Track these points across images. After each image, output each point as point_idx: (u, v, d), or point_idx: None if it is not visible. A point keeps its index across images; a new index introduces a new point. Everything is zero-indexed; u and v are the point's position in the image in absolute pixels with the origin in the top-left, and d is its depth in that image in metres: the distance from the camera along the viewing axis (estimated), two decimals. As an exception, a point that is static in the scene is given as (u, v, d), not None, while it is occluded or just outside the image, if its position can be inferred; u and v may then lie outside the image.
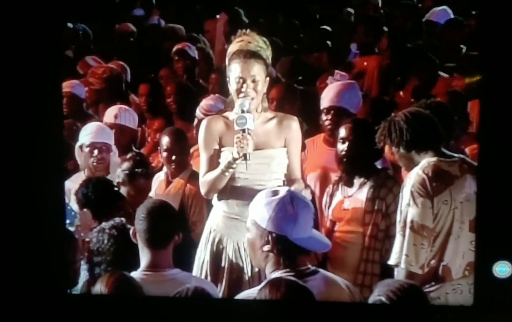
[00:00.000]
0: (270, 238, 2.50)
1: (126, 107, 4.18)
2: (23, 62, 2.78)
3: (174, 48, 5.12)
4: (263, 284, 2.45)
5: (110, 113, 4.08)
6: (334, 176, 3.38)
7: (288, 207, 2.50)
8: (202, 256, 3.19)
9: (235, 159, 3.00)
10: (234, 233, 3.11)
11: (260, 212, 2.53)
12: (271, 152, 3.09)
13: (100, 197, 3.29)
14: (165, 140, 3.65)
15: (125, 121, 4.04)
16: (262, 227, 2.51)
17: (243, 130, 2.98)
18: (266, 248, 2.51)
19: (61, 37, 2.92)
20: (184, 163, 3.65)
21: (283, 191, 2.57)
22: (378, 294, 2.18)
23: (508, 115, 2.70)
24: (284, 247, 2.49)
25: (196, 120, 3.94)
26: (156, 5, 6.24)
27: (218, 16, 5.84)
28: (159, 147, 3.75)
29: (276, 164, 3.10)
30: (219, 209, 3.17)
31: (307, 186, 3.28)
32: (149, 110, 4.51)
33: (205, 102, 3.96)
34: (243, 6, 5.76)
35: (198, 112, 3.94)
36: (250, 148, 2.97)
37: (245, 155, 2.98)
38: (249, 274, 3.08)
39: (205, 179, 3.12)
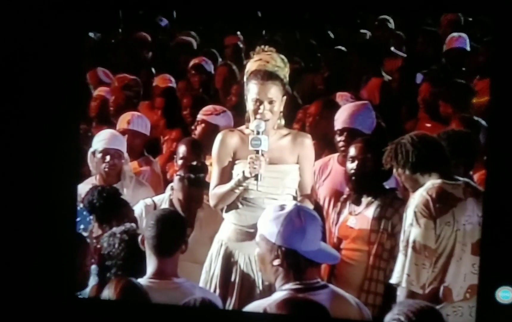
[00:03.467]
0: (279, 252, 2.52)
1: (139, 113, 4.24)
2: (46, 67, 2.84)
3: (191, 63, 5.20)
4: (274, 300, 2.45)
5: (123, 119, 4.14)
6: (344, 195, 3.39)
7: (296, 220, 2.52)
8: (211, 269, 3.20)
9: (245, 178, 3.04)
10: (245, 246, 3.13)
11: (268, 226, 2.56)
12: (285, 167, 3.13)
13: (104, 204, 3.33)
14: (181, 149, 3.70)
15: (138, 127, 4.10)
16: (271, 241, 2.54)
17: (257, 151, 3.02)
18: (276, 262, 2.53)
19: (82, 45, 2.98)
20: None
21: (290, 205, 2.60)
22: (397, 313, 2.17)
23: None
24: (294, 261, 2.51)
25: (196, 122, 4.02)
26: (177, 19, 6.33)
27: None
28: (174, 156, 3.79)
29: (289, 179, 3.13)
30: (230, 221, 3.19)
31: (317, 204, 3.30)
32: (166, 121, 4.58)
33: (206, 107, 4.05)
34: (261, 24, 5.82)
35: (199, 114, 4.02)
36: (262, 169, 3.01)
37: (256, 176, 3.02)
38: (261, 287, 3.10)
39: (215, 191, 3.16)
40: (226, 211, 3.21)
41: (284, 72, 3.11)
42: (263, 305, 2.49)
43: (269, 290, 3.00)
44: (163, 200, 3.55)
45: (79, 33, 2.93)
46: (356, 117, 3.61)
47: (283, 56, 3.15)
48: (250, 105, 3.11)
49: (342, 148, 3.58)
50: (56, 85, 2.86)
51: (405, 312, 2.17)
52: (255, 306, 2.60)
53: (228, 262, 3.16)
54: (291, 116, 4.07)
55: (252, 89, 3.09)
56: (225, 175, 3.15)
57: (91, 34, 5.46)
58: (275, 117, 3.12)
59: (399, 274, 2.82)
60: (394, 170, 2.99)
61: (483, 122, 3.72)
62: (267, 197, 3.09)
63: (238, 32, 5.83)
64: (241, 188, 3.08)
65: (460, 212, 2.81)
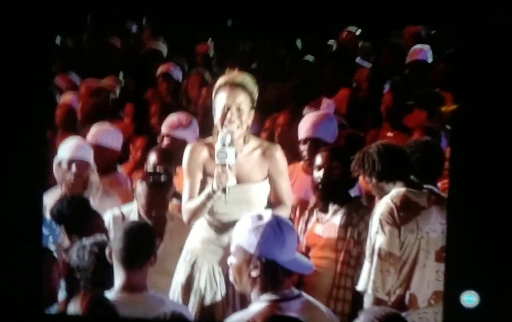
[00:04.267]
0: (259, 262, 2.45)
1: (109, 126, 4.07)
2: (12, 71, 2.75)
3: (159, 71, 5.12)
4: (255, 312, 2.41)
5: (91, 132, 3.99)
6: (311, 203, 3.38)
7: (277, 231, 2.47)
8: (177, 276, 3.16)
9: (214, 192, 2.99)
10: (209, 256, 3.10)
11: (247, 237, 2.48)
12: (252, 187, 3.08)
13: (74, 214, 3.21)
14: (152, 158, 3.62)
15: (106, 141, 3.93)
16: (249, 252, 2.47)
17: (223, 164, 2.96)
18: (255, 273, 2.46)
19: (52, 50, 2.89)
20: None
21: (267, 215, 2.53)
22: (363, 320, 2.15)
23: (476, 149, 2.73)
24: (273, 271, 2.45)
25: (160, 136, 3.93)
26: (147, 24, 6.25)
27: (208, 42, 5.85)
28: (145, 165, 3.71)
29: (255, 199, 3.09)
30: (198, 232, 3.15)
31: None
32: (135, 129, 4.49)
33: (169, 118, 3.95)
34: (233, 32, 5.80)
35: (163, 128, 3.92)
36: (229, 182, 2.96)
37: (224, 189, 2.97)
38: (223, 297, 3.06)
39: (186, 206, 3.12)
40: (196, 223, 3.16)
41: (252, 88, 3.07)
42: (244, 318, 2.44)
43: (232, 300, 3.02)
44: (131, 211, 3.48)
45: (47, 37, 2.84)
46: (319, 126, 3.63)
47: (252, 76, 3.12)
48: (218, 114, 3.05)
49: (306, 157, 3.59)
50: (22, 90, 2.77)
51: (371, 319, 2.16)
52: (235, 320, 2.54)
53: (192, 271, 3.12)
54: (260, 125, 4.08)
55: (220, 98, 3.04)
56: (196, 189, 3.10)
57: (58, 39, 5.34)
58: (242, 128, 3.05)
59: (365, 281, 2.82)
60: (361, 178, 2.99)
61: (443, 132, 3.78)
62: (232, 216, 3.03)
63: (209, 40, 5.79)
64: (211, 200, 3.04)
65: (423, 220, 2.83)
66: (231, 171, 2.96)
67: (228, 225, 3.03)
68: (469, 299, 2.71)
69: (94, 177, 3.72)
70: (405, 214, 2.79)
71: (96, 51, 5.52)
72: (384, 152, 2.88)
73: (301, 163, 3.68)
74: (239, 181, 3.03)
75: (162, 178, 3.42)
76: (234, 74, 3.07)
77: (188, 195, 3.10)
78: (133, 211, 3.46)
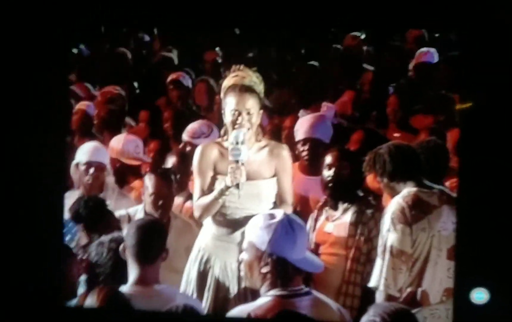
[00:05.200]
0: (269, 259, 2.47)
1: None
2: (32, 80, 2.77)
3: (169, 78, 5.13)
4: (259, 305, 2.41)
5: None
6: (313, 202, 3.40)
7: (288, 229, 2.49)
8: (190, 273, 3.17)
9: (227, 188, 3.02)
10: (221, 253, 3.11)
11: (259, 234, 2.51)
12: (262, 183, 3.11)
13: (91, 213, 3.26)
14: (170, 161, 3.63)
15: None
16: (261, 249, 2.49)
17: (237, 161, 2.98)
18: (265, 269, 2.48)
19: (68, 59, 2.92)
20: (183, 185, 3.63)
21: (279, 214, 2.56)
22: (373, 315, 2.15)
23: (485, 150, 2.72)
24: (283, 268, 2.48)
25: (182, 143, 3.93)
26: (158, 35, 6.26)
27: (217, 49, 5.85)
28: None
29: (265, 194, 3.12)
30: (209, 230, 3.16)
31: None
32: (149, 133, 4.49)
33: (191, 126, 3.96)
34: (239, 40, 5.80)
35: (184, 136, 3.94)
36: (243, 178, 3.00)
37: (237, 184, 3.00)
38: (235, 293, 3.07)
39: (198, 203, 3.13)
40: (208, 221, 3.17)
41: (260, 88, 3.10)
42: (247, 310, 2.46)
43: (244, 295, 3.02)
44: (137, 210, 3.50)
45: (64, 47, 2.85)
46: (318, 128, 3.66)
47: (258, 74, 3.14)
48: (228, 117, 3.08)
49: (306, 157, 3.61)
50: (42, 98, 2.78)
51: (380, 313, 2.16)
52: (238, 311, 2.56)
53: (205, 267, 3.13)
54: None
55: (230, 102, 3.07)
56: (207, 187, 3.12)
57: (75, 50, 5.36)
58: (253, 129, 3.09)
59: (377, 277, 2.82)
60: (369, 177, 2.99)
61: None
62: (244, 211, 3.07)
63: (217, 48, 5.80)
64: (224, 197, 3.06)
65: (435, 219, 2.82)
66: (244, 168, 2.99)
67: (239, 221, 3.06)
68: (479, 296, 2.69)
69: (110, 179, 3.78)
70: (416, 212, 2.80)
71: (110, 60, 5.54)
72: (395, 152, 2.90)
73: (297, 163, 3.68)
74: (249, 177, 3.06)
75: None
76: (242, 76, 3.09)
77: (200, 192, 3.13)
78: (139, 210, 3.48)
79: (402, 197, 2.84)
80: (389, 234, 2.79)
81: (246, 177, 3.02)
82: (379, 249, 2.84)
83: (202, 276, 3.12)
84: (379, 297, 2.80)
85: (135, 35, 6.15)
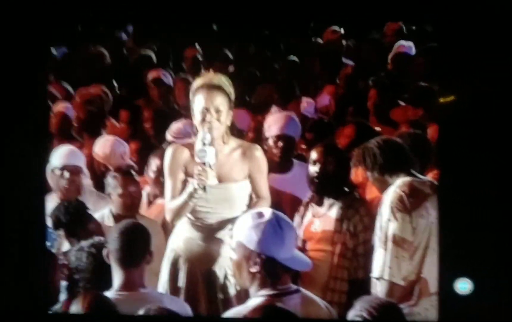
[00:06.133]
0: (258, 259, 2.45)
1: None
2: (9, 81, 2.71)
3: (149, 76, 5.07)
4: (252, 307, 2.40)
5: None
6: (287, 200, 3.41)
7: (277, 228, 2.47)
8: (163, 275, 3.15)
9: (195, 190, 2.99)
10: (193, 255, 3.08)
11: (247, 234, 2.49)
12: (234, 187, 3.08)
13: (71, 220, 3.22)
14: (155, 162, 3.59)
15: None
16: (249, 248, 2.47)
17: (204, 163, 2.95)
18: (254, 269, 2.46)
19: (45, 60, 2.86)
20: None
21: (267, 213, 2.53)
22: (359, 310, 2.17)
23: (465, 139, 2.73)
24: (272, 268, 2.46)
25: (166, 143, 3.88)
26: (134, 33, 6.19)
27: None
28: (146, 168, 3.68)
29: (237, 197, 3.09)
30: (182, 232, 3.13)
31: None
32: (130, 133, 4.44)
33: (175, 126, 3.92)
34: (219, 37, 5.76)
35: (168, 135, 3.90)
36: (210, 180, 2.96)
37: (204, 187, 2.96)
38: (204, 296, 3.05)
39: (169, 206, 3.11)
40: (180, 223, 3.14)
41: (230, 89, 3.07)
42: (241, 313, 2.44)
43: (214, 301, 3.02)
44: (104, 216, 3.47)
45: (41, 47, 2.79)
46: (290, 125, 3.70)
47: (227, 77, 3.12)
48: (197, 117, 3.05)
49: (279, 153, 3.62)
50: (19, 99, 2.72)
51: (367, 308, 2.17)
52: (233, 313, 2.55)
53: (175, 268, 3.11)
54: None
55: (198, 100, 3.04)
56: (178, 189, 3.09)
57: (53, 50, 5.27)
58: (222, 128, 3.05)
59: (380, 267, 2.82)
60: (354, 172, 2.99)
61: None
62: (216, 215, 3.05)
63: (196, 44, 5.76)
64: (194, 199, 3.03)
65: (431, 206, 2.84)
66: (211, 170, 2.97)
67: (211, 225, 3.06)
68: (463, 286, 2.69)
69: (87, 181, 3.72)
70: (414, 200, 2.82)
71: (87, 60, 5.45)
72: (384, 146, 2.92)
73: None
74: (221, 180, 3.03)
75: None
76: (210, 76, 3.07)
77: (170, 195, 3.10)
78: (106, 215, 3.46)
79: (398, 186, 2.86)
80: (389, 224, 2.80)
81: (218, 180, 2.99)
82: (379, 240, 2.85)
83: (174, 278, 3.09)
84: (382, 287, 2.81)
85: (112, 33, 6.07)
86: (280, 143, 3.62)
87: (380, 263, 2.81)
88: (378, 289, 2.82)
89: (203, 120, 3.01)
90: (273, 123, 3.70)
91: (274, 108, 4.34)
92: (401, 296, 2.77)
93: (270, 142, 3.64)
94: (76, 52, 5.64)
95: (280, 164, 3.62)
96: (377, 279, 2.82)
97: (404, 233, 2.79)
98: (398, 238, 2.78)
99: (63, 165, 3.65)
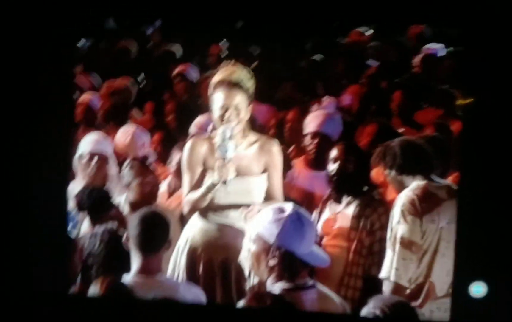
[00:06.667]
0: (277, 252, 2.47)
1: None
2: (37, 72, 2.76)
3: (175, 71, 5.12)
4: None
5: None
6: (317, 198, 3.39)
7: (297, 224, 2.49)
8: (178, 262, 3.15)
9: (214, 185, 3.01)
10: (209, 247, 3.10)
11: (268, 228, 2.50)
12: (252, 180, 3.09)
13: (93, 205, 3.27)
14: (177, 154, 3.62)
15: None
16: (269, 242, 2.49)
17: (224, 158, 2.97)
18: (272, 262, 2.48)
19: (72, 53, 2.90)
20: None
21: (289, 207, 2.55)
22: (373, 307, 2.19)
23: (487, 144, 2.70)
24: (290, 262, 2.48)
25: (189, 136, 3.91)
26: (162, 28, 6.26)
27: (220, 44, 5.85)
28: (168, 159, 3.72)
29: (255, 190, 3.10)
30: (197, 223, 3.15)
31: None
32: (154, 124, 4.50)
33: (198, 119, 3.95)
34: (244, 33, 5.79)
35: (192, 127, 3.94)
36: (230, 175, 2.98)
37: (224, 181, 2.98)
38: (220, 287, 3.06)
39: (187, 199, 3.13)
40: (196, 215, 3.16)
41: (249, 84, 3.07)
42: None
43: (229, 291, 3.03)
44: (119, 204, 3.51)
45: (69, 41, 2.85)
46: (329, 123, 3.67)
47: (248, 69, 3.12)
48: (216, 113, 3.07)
49: (313, 151, 3.61)
50: (46, 90, 2.78)
51: (380, 306, 2.18)
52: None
53: (193, 259, 3.12)
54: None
55: (217, 98, 3.06)
56: (196, 183, 3.11)
57: (80, 43, 5.37)
58: (241, 124, 3.06)
59: (387, 268, 2.82)
60: (374, 172, 2.99)
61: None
62: (234, 207, 3.06)
63: (222, 41, 5.80)
64: (211, 193, 3.05)
65: (444, 211, 2.83)
66: (231, 164, 2.98)
67: (228, 216, 3.07)
68: (478, 289, 2.68)
69: (114, 169, 3.75)
70: (426, 204, 2.80)
71: (115, 53, 5.54)
72: (405, 146, 2.92)
73: (301, 158, 3.69)
74: (239, 173, 3.04)
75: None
76: (231, 71, 3.06)
77: (188, 188, 3.11)
78: (121, 204, 3.49)
79: (412, 189, 2.85)
80: (399, 226, 2.80)
81: (236, 173, 3.01)
82: (389, 241, 2.84)
83: (192, 268, 3.11)
84: (387, 287, 2.80)
85: (139, 28, 6.15)
86: (316, 140, 3.61)
87: (388, 264, 2.81)
88: (384, 289, 2.82)
89: (222, 117, 3.03)
90: (312, 120, 3.69)
91: (314, 106, 4.31)
92: (406, 297, 2.75)
93: (308, 138, 3.65)
94: (105, 45, 5.74)
95: (314, 161, 3.61)
96: (384, 279, 2.82)
97: (413, 236, 2.78)
98: (406, 241, 2.77)
99: (91, 151, 3.69)
